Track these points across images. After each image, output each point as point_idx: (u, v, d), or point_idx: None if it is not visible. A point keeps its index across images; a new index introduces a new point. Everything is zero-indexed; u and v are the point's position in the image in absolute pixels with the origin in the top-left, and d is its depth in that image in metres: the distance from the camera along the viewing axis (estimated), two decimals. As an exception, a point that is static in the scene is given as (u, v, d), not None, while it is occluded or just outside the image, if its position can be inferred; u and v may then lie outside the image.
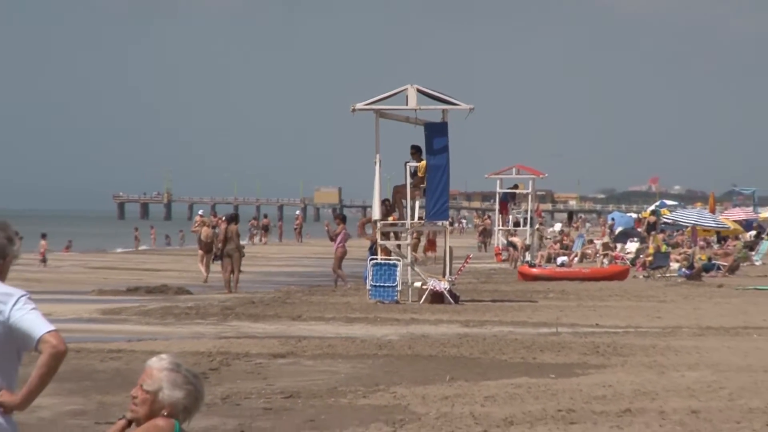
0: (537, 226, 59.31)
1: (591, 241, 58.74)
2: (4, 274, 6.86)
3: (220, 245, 37.02)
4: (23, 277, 35.72)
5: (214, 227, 41.06)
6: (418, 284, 30.90)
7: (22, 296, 6.67)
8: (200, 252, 41.27)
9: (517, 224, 55.46)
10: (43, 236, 52.65)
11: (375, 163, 31.30)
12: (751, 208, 79.77)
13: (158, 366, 6.79)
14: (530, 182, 56.05)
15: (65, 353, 6.62)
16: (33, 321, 6.61)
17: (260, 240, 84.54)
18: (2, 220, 7.00)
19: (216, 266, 38.49)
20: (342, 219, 40.43)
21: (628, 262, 47.38)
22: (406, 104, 31.25)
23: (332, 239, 38.47)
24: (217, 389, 15.68)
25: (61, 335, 6.65)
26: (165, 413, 6.69)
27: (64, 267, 50.05)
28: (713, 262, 45.67)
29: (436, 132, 31.13)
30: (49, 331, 6.59)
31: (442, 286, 30.41)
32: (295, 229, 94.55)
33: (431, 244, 36.18)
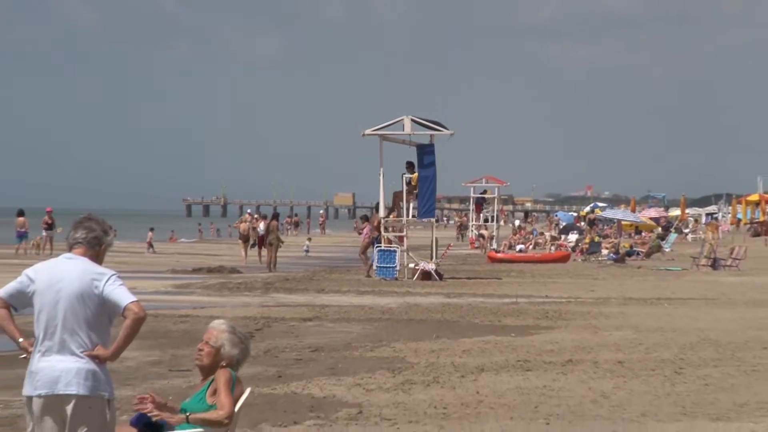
0: (502, 221, 59.20)
1: (542, 234, 58.72)
2: (100, 259, 6.83)
3: (257, 237, 38.78)
4: (116, 261, 35.66)
5: (254, 225, 41.93)
6: (411, 265, 30.89)
7: (113, 275, 6.66)
8: (240, 241, 41.96)
9: (486, 221, 55.46)
10: (151, 229, 52.03)
11: (379, 174, 31.27)
12: (662, 209, 79.80)
13: (220, 328, 7.01)
14: (496, 189, 55.90)
15: (145, 318, 6.60)
16: (120, 293, 6.59)
17: (293, 233, 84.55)
18: (100, 217, 6.98)
19: (253, 251, 40.03)
20: (365, 219, 41.61)
21: (569, 249, 47.32)
22: (403, 130, 31.22)
23: (359, 233, 39.90)
24: (260, 345, 15.65)
25: (142, 304, 6.62)
26: (224, 364, 6.89)
27: (165, 253, 49.13)
28: (634, 249, 45.61)
29: (426, 151, 31.13)
30: (132, 301, 6.57)
31: (430, 266, 30.41)
32: (320, 224, 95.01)
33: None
